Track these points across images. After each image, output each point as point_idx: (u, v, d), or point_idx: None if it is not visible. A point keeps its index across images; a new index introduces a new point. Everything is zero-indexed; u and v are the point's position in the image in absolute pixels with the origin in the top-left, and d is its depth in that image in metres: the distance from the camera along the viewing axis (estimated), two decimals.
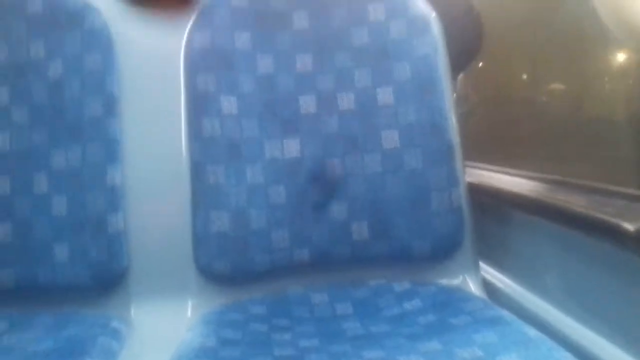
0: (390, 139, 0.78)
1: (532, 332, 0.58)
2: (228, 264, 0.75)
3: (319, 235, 0.78)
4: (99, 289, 0.74)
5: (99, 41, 0.77)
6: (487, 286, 0.80)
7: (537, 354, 0.53)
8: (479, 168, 0.96)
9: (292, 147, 0.79)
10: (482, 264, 0.82)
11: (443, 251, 0.78)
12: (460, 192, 0.78)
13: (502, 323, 0.60)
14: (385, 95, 0.79)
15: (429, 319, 0.66)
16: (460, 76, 1.32)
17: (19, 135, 0.76)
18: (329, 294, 0.75)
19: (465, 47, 1.05)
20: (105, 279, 0.74)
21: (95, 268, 0.73)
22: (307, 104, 0.80)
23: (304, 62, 0.81)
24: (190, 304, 0.75)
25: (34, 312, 0.72)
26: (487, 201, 0.84)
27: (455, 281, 0.79)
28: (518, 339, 0.56)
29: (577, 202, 0.63)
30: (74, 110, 0.76)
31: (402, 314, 0.69)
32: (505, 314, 0.63)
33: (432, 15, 0.82)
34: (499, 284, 0.83)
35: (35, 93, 0.77)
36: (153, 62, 0.80)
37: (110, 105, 0.76)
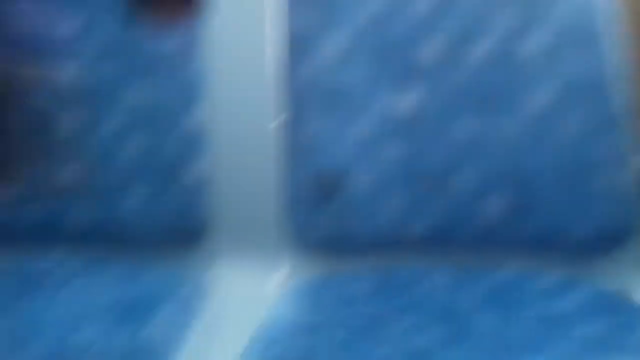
0: (539, 99, 0.64)
1: None
2: (325, 231, 0.66)
3: (438, 208, 0.64)
4: (176, 242, 0.68)
5: None
6: None
7: None
8: None
9: (408, 102, 0.67)
10: None
11: (605, 243, 0.62)
12: (627, 174, 0.62)
13: None
14: (534, 44, 0.64)
15: (594, 329, 0.48)
16: None
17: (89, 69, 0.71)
18: (451, 276, 0.61)
19: None
20: (182, 232, 0.68)
21: (172, 218, 0.67)
22: (430, 50, 0.67)
23: None
24: (280, 270, 0.67)
25: (108, 258, 0.68)
26: None
27: (615, 284, 0.61)
28: None
29: None
30: (152, 44, 0.70)
31: (552, 317, 0.52)
32: None
33: None
34: None
35: (109, 24, 0.71)
36: None
37: (192, 40, 0.69)
